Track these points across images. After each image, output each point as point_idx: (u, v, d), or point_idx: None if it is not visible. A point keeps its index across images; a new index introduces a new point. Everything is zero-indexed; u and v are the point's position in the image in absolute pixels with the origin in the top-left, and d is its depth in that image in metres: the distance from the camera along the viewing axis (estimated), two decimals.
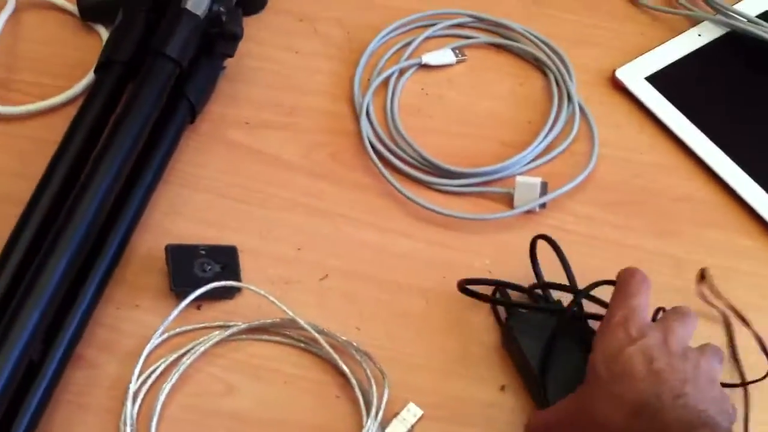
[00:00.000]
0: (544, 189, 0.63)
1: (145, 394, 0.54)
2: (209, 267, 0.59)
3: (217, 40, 0.67)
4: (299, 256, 0.61)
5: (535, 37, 0.72)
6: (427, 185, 0.65)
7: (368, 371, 0.55)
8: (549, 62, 0.71)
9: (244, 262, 0.60)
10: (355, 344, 0.56)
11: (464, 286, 0.57)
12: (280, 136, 0.67)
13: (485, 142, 0.68)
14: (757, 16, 0.74)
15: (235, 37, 0.67)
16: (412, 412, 0.54)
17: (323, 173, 0.65)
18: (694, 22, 0.75)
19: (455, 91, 0.71)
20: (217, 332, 0.57)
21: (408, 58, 0.71)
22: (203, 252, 0.59)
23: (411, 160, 0.65)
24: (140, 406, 0.54)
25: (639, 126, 0.69)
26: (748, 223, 0.64)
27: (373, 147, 0.65)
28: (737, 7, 0.75)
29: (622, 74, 0.71)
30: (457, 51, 0.72)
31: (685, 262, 0.62)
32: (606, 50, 0.73)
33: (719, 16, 0.74)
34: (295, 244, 0.61)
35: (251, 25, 0.72)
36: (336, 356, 0.55)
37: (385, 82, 0.69)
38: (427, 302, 0.59)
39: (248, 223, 0.62)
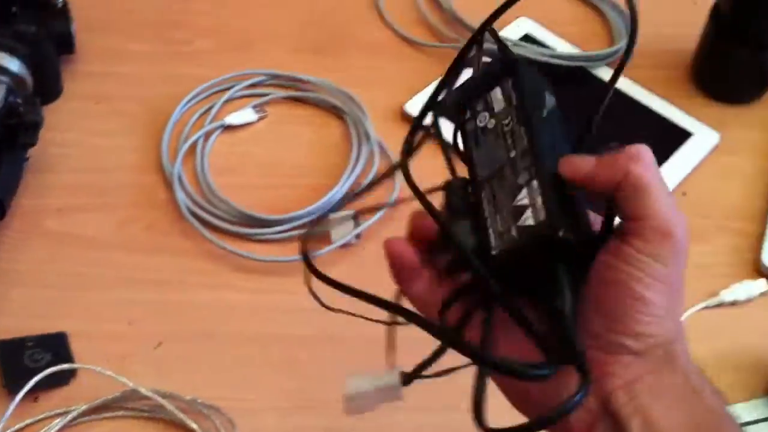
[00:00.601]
0: (357, 221, 0.67)
1: None
2: (40, 357, 0.59)
3: (18, 131, 0.67)
4: (131, 330, 0.62)
5: (330, 86, 0.77)
6: (248, 237, 0.67)
7: (217, 423, 0.57)
8: (345, 108, 0.76)
9: (77, 346, 0.60)
10: (200, 401, 0.57)
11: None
12: (95, 217, 0.68)
13: (296, 190, 0.71)
14: (519, 39, 0.82)
15: (35, 126, 0.68)
16: None
17: (143, 245, 0.67)
18: None
19: (261, 146, 0.74)
20: (57, 420, 0.57)
21: (212, 122, 0.74)
22: (31, 343, 0.59)
23: (229, 217, 0.68)
24: None
25: (435, 152, 0.75)
26: None
27: (190, 211, 0.67)
28: (501, 33, 0.82)
29: (410, 107, 0.76)
30: (257, 109, 0.75)
31: None
32: (394, 89, 0.78)
33: (487, 44, 0.81)
34: (126, 319, 0.62)
35: (51, 113, 0.73)
36: (183, 416, 0.57)
37: (193, 148, 0.72)
38: (262, 347, 0.62)
39: (75, 307, 0.63)
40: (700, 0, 0.81)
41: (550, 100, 0.42)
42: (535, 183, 0.39)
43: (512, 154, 0.40)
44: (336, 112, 0.76)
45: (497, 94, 0.43)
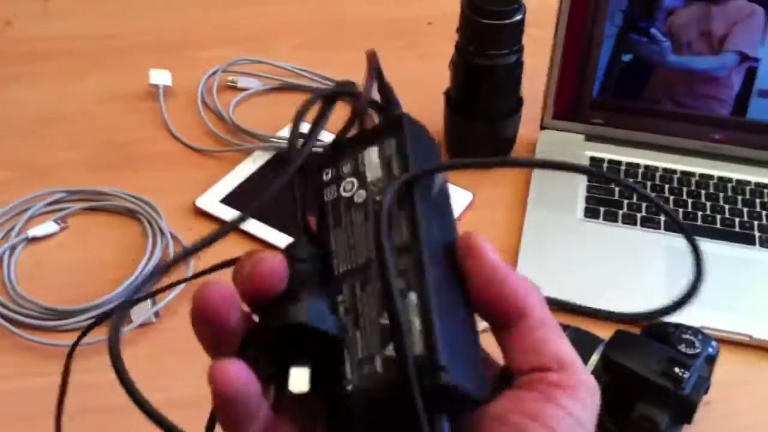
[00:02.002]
0: (154, 301, 0.75)
1: None
2: None
3: None
4: None
5: (126, 194, 0.86)
6: (56, 329, 0.74)
7: None
8: (140, 210, 0.85)
9: None
10: None
11: None
12: None
13: (100, 284, 0.78)
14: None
15: None
16: None
17: None
18: (248, 153, 0.94)
19: (64, 252, 0.82)
20: None
21: (17, 236, 0.81)
22: None
23: (35, 314, 0.75)
24: None
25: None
26: None
27: None
28: (279, 134, 0.95)
29: (200, 202, 0.87)
30: (59, 221, 0.84)
31: None
32: (186, 190, 0.88)
33: (266, 144, 0.94)
34: None
35: None
36: None
37: None
38: (77, 421, 0.68)
39: None
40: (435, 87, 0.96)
41: (442, 175, 0.34)
42: (413, 297, 0.29)
43: None
44: (133, 216, 0.86)
45: (372, 155, 0.33)
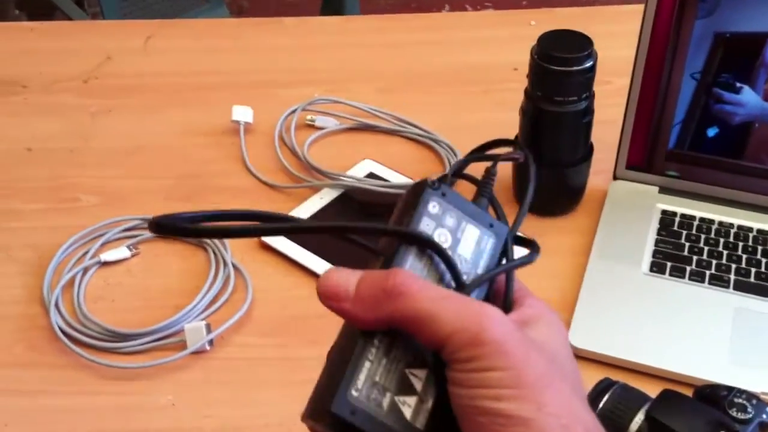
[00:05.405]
0: (209, 329, 0.78)
1: None
2: None
3: None
4: (7, 430, 0.71)
5: None
6: (115, 351, 0.78)
7: None
8: (207, 240, 0.88)
9: None
10: None
11: None
12: None
13: (162, 310, 0.82)
14: (364, 177, 0.97)
15: None
16: None
17: (23, 362, 0.77)
18: (317, 190, 0.96)
19: (133, 277, 0.86)
20: None
21: (90, 259, 0.86)
22: None
23: (99, 335, 0.79)
24: None
25: (285, 271, 0.87)
26: None
27: (63, 332, 0.78)
28: (349, 173, 0.97)
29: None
30: (131, 247, 0.88)
31: None
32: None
33: (335, 182, 0.96)
34: (2, 423, 0.72)
35: None
36: None
37: (72, 282, 0.84)
38: None
39: None
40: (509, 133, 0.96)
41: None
42: None
43: None
44: (201, 245, 0.89)
45: (472, 233, 0.41)
